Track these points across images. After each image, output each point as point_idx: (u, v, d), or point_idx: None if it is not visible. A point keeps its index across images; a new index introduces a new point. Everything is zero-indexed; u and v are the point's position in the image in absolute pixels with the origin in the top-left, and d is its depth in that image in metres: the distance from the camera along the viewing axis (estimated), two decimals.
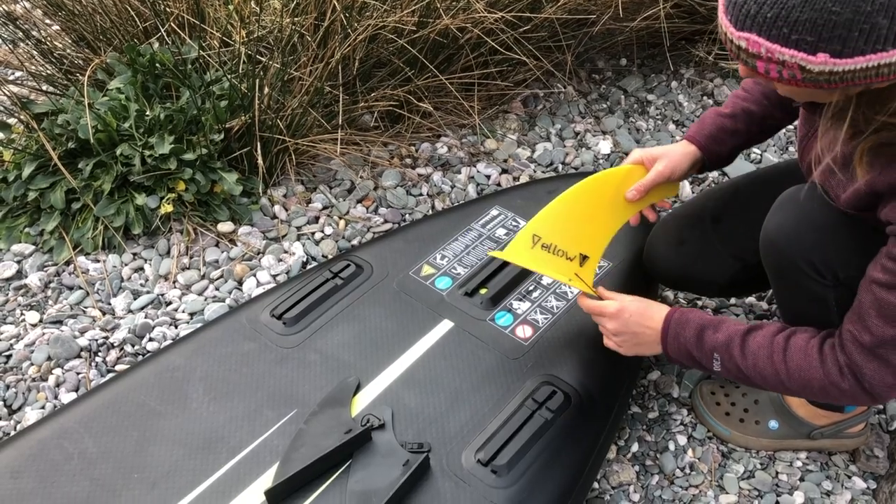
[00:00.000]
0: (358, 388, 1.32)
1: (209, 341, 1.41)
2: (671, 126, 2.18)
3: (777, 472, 1.43)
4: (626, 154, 2.07)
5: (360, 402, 1.30)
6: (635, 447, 1.47)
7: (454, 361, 1.36)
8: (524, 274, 1.50)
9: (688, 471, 1.44)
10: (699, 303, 1.72)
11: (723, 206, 1.47)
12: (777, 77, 0.93)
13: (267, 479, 1.20)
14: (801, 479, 1.42)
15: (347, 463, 1.22)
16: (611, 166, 2.05)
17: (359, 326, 1.42)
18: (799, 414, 1.43)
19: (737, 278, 1.44)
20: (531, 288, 1.49)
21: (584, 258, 1.34)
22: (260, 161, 1.85)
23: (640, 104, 2.26)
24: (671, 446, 1.47)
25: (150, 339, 1.64)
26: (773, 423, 1.45)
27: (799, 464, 1.44)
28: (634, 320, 1.27)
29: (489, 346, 1.38)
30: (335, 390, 1.31)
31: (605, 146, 2.09)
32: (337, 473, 1.21)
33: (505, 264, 1.52)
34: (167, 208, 1.81)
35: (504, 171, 2.03)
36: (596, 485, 1.40)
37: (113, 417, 1.29)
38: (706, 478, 1.42)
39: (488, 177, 2.01)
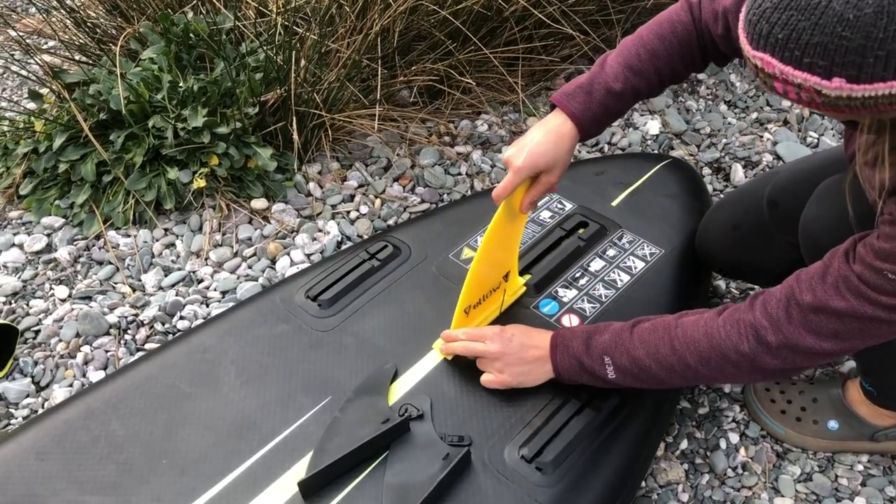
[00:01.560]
0: (395, 376, 1.26)
1: (241, 322, 1.36)
2: (722, 106, 2.08)
3: (836, 476, 1.35)
4: (676, 136, 1.98)
5: (398, 391, 1.24)
6: (684, 444, 1.39)
7: None
8: (570, 259, 1.43)
9: (740, 471, 1.36)
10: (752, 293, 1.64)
11: (780, 191, 1.38)
12: (797, 99, 0.87)
13: (300, 469, 1.14)
14: (863, 484, 1.34)
15: (384, 454, 1.16)
16: (659, 148, 1.96)
17: (396, 311, 1.36)
18: (861, 414, 1.34)
19: (794, 267, 1.35)
20: (578, 275, 1.41)
21: (506, 276, 1.35)
22: (295, 136, 1.79)
23: (690, 83, 2.16)
24: (722, 444, 1.40)
25: (181, 318, 1.59)
26: (833, 424, 1.36)
27: (860, 467, 1.36)
28: (518, 340, 1.21)
29: None
30: (371, 377, 1.25)
31: (653, 126, 1.99)
32: (373, 465, 1.15)
33: (550, 249, 1.45)
34: (200, 183, 1.76)
35: None
36: (643, 483, 1.33)
37: (141, 399, 1.24)
38: (760, 479, 1.35)
39: None
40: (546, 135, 1.20)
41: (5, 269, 1.73)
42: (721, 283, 1.65)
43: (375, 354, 1.29)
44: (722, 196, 1.59)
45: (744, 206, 1.42)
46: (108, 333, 1.58)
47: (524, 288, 1.39)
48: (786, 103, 2.08)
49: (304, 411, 1.22)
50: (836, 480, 1.35)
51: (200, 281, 1.68)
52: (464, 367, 1.27)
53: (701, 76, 2.17)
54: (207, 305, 1.63)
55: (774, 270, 1.37)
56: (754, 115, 2.05)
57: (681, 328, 1.09)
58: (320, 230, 1.77)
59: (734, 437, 1.40)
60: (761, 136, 1.98)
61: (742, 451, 1.39)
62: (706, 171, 1.89)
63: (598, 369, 1.15)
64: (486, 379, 1.23)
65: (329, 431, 1.18)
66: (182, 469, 1.15)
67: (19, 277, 1.71)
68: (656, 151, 1.95)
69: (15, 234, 1.79)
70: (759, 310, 1.05)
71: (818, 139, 1.97)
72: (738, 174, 1.86)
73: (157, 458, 1.16)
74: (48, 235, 1.79)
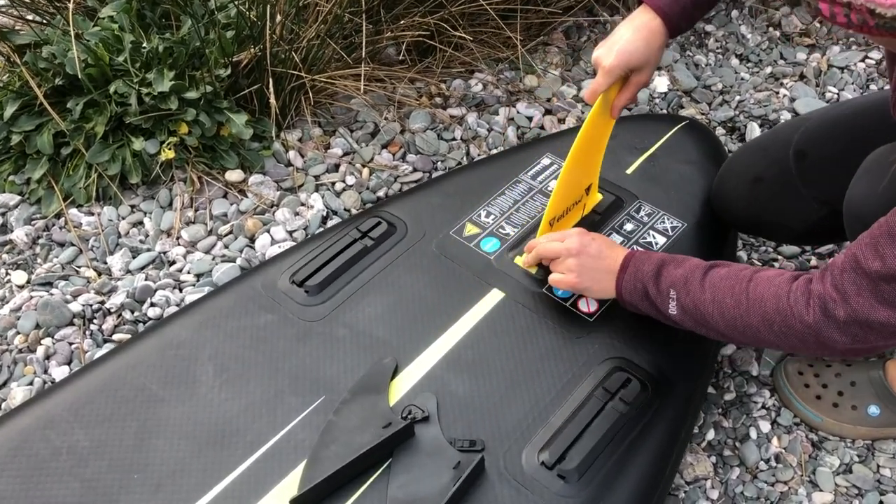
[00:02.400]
0: (395, 372, 1.12)
1: (219, 312, 1.21)
2: (734, 60, 1.93)
3: (878, 466, 1.24)
4: (686, 93, 1.84)
5: (399, 389, 1.11)
6: (711, 435, 1.27)
7: (507, 340, 1.16)
8: None
9: (773, 463, 1.25)
10: (776, 263, 1.51)
11: (809, 140, 1.25)
12: (845, 22, 0.75)
13: (292, 483, 1.01)
14: None
15: (387, 463, 1.02)
16: (668, 107, 1.81)
17: (393, 296, 1.22)
18: None
19: (818, 225, 1.25)
20: None
21: (588, 188, 1.31)
22: (272, 100, 1.62)
23: (698, 36, 2.01)
24: (752, 434, 1.28)
25: (152, 305, 1.44)
26: (874, 409, 1.25)
27: None
28: (598, 245, 1.15)
29: (548, 321, 1.18)
30: (369, 374, 1.12)
31: (661, 83, 1.84)
32: (375, 476, 1.02)
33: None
34: (168, 154, 1.59)
35: (548, 112, 1.79)
36: None
37: (107, 404, 1.09)
38: (796, 472, 1.23)
39: (530, 118, 1.77)
40: (636, 32, 1.13)
41: None
42: (742, 255, 1.52)
43: (372, 347, 1.15)
44: (741, 146, 1.45)
45: (767, 156, 1.29)
46: (71, 324, 1.43)
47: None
48: (801, 55, 1.93)
49: (294, 414, 1.08)
50: (878, 471, 1.24)
51: (172, 263, 1.53)
52: (472, 361, 1.13)
53: (709, 27, 2.02)
54: (181, 290, 1.47)
55: (797, 229, 1.27)
56: (768, 70, 1.90)
57: (753, 283, 1.00)
58: (303, 204, 1.61)
59: (765, 426, 1.28)
60: (777, 93, 1.84)
61: (774, 441, 1.27)
62: (720, 130, 1.75)
63: (661, 302, 1.07)
64: (555, 278, 1.17)
65: (323, 438, 1.04)
66: (156, 485, 1.01)
67: None
68: (664, 111, 1.80)
69: None
70: (829, 280, 0.94)
71: (838, 94, 1.83)
72: (755, 133, 1.72)
73: (128, 472, 1.03)
74: (2, 215, 1.62)
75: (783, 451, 1.26)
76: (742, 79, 1.88)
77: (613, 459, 1.03)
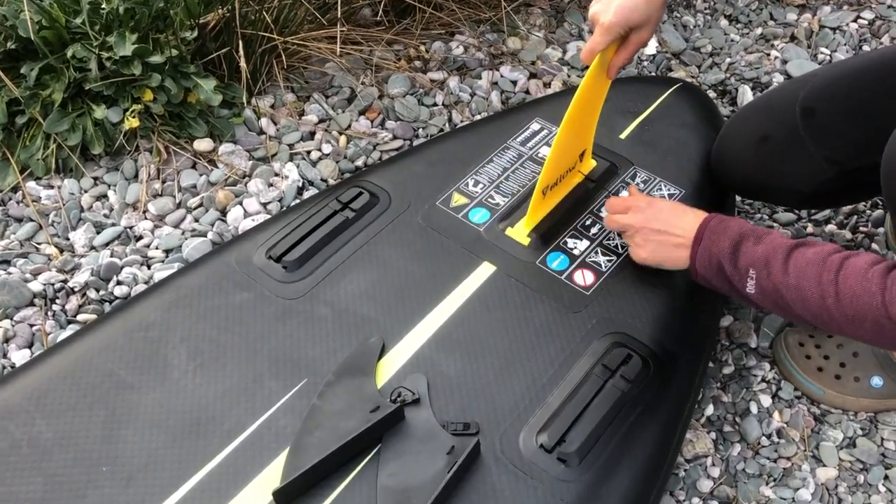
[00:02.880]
0: (382, 352, 1.05)
1: (191, 290, 1.13)
2: (723, 22, 1.87)
3: (882, 440, 1.20)
4: (674, 55, 1.77)
5: (387, 370, 1.04)
6: (710, 410, 1.22)
7: (500, 316, 1.09)
8: (579, 205, 1.22)
9: (775, 438, 1.20)
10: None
11: (818, 96, 1.19)
12: None
13: (274, 472, 0.94)
14: None
15: (375, 449, 0.96)
16: (657, 69, 1.74)
17: (378, 271, 1.14)
18: None
19: (826, 187, 1.18)
20: (588, 222, 1.21)
21: (581, 154, 1.25)
22: (242, 63, 1.53)
23: None
24: (753, 408, 1.23)
25: (119, 283, 1.35)
26: (877, 380, 1.20)
27: None
28: (665, 218, 1.08)
29: (542, 296, 1.11)
30: (355, 355, 1.05)
31: (649, 45, 1.77)
32: (363, 464, 0.95)
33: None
34: (132, 122, 1.49)
35: (532, 76, 1.71)
36: None
37: (72, 392, 1.01)
38: (798, 447, 1.19)
39: (514, 83, 1.70)
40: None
41: None
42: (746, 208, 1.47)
43: (357, 326, 1.08)
44: (744, 105, 1.39)
45: (772, 114, 1.23)
46: (32, 304, 1.34)
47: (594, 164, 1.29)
48: (791, 16, 1.87)
49: (275, 399, 1.01)
50: (882, 444, 1.20)
51: (139, 238, 1.44)
52: (463, 339, 1.07)
53: None
54: (149, 267, 1.38)
55: (804, 191, 1.20)
56: (759, 31, 1.84)
57: (843, 274, 0.91)
58: (277, 174, 1.53)
59: (766, 400, 1.24)
60: (768, 54, 1.78)
61: (776, 415, 1.22)
62: (710, 94, 1.69)
63: (737, 280, 0.99)
64: (630, 252, 1.12)
65: (307, 424, 0.97)
66: (127, 478, 0.94)
67: None
68: (653, 74, 1.73)
69: None
70: None
71: (830, 56, 1.77)
72: (747, 97, 1.66)
73: (96, 465, 0.95)
74: None
75: (785, 425, 1.21)
76: (732, 40, 1.82)
77: (616, 441, 0.98)
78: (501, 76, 1.71)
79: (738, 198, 1.42)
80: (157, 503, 0.92)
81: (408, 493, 0.91)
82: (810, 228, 1.47)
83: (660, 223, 1.08)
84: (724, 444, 1.20)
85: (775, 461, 1.18)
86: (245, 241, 1.19)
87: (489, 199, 1.23)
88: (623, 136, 1.33)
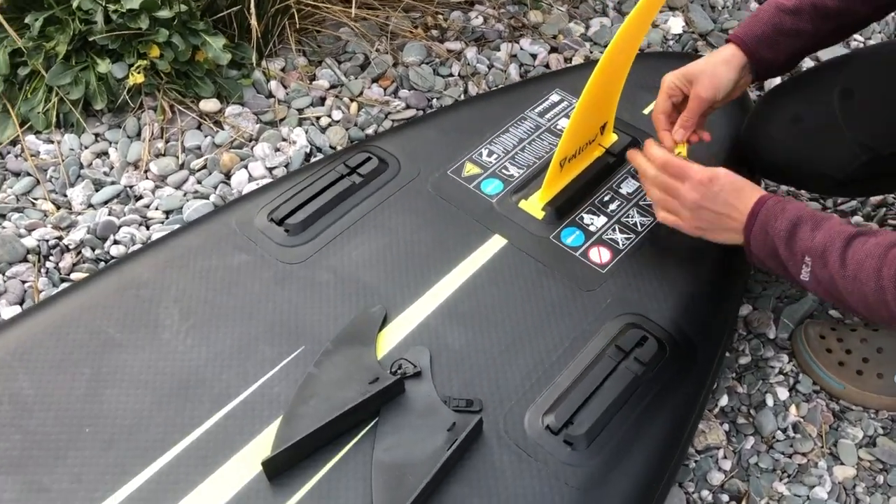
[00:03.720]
0: (384, 322, 1.00)
1: (188, 250, 1.08)
2: (753, 4, 1.80)
3: None
4: (701, 36, 1.71)
5: (388, 341, 0.99)
6: (724, 401, 1.17)
7: (509, 291, 1.04)
8: (598, 179, 1.16)
9: (791, 433, 1.15)
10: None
11: (857, 78, 1.13)
12: None
13: (264, 442, 0.89)
14: None
15: (373, 422, 0.91)
16: (683, 49, 1.68)
17: (384, 239, 1.09)
18: None
19: (858, 173, 1.13)
20: (606, 198, 1.15)
21: (602, 127, 1.19)
22: (253, 22, 1.47)
23: None
24: (769, 401, 1.17)
25: (115, 242, 1.31)
26: None
27: None
28: (723, 199, 0.97)
29: (555, 272, 1.06)
30: (355, 323, 1.00)
31: (675, 24, 1.71)
32: (359, 437, 0.90)
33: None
34: (137, 78, 1.44)
35: (553, 50, 1.65)
36: None
37: (58, 348, 0.97)
38: (815, 443, 1.13)
39: (534, 56, 1.64)
40: (716, 55, 1.11)
41: None
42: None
43: (359, 294, 1.03)
44: (779, 83, 1.33)
45: (808, 94, 1.17)
46: (25, 260, 1.29)
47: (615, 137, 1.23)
48: None
49: (269, 366, 0.96)
50: None
51: (139, 198, 1.39)
52: (470, 313, 1.01)
53: None
54: (147, 228, 1.34)
55: (835, 176, 1.14)
56: None
57: None
58: (284, 139, 1.47)
59: (783, 393, 1.18)
60: None
61: (793, 409, 1.17)
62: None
63: (792, 266, 0.92)
64: (665, 217, 1.03)
65: (302, 393, 0.92)
66: (110, 440, 0.89)
67: None
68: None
69: None
70: None
71: (864, 42, 1.70)
72: (774, 81, 1.59)
73: (78, 425, 0.90)
74: None
75: (802, 420, 1.16)
76: None
77: (626, 426, 0.92)
78: (521, 49, 1.65)
79: (764, 182, 1.36)
80: (139, 468, 0.87)
81: (404, 470, 0.86)
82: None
83: (719, 205, 0.97)
84: (738, 436, 1.14)
85: (790, 457, 1.12)
86: (247, 202, 1.14)
87: (503, 171, 1.18)
88: (646, 111, 1.27)
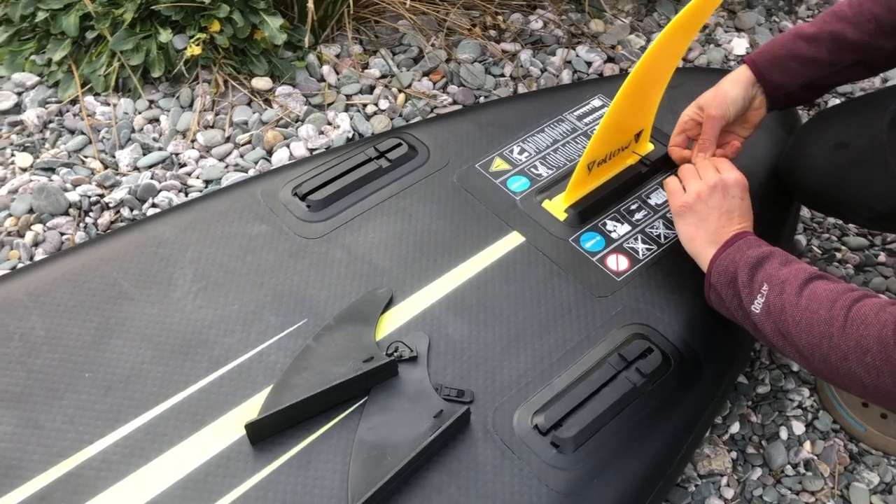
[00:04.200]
0: (390, 304, 1.00)
1: (210, 215, 1.10)
2: None
3: None
4: None
5: (390, 323, 0.99)
6: (735, 428, 1.13)
7: (519, 288, 1.03)
8: (627, 187, 1.14)
9: (802, 469, 1.10)
10: (838, 254, 1.35)
11: None
12: None
13: (254, 406, 0.90)
14: None
15: (361, 401, 0.91)
16: None
17: (402, 224, 1.09)
18: None
19: None
20: (633, 206, 1.13)
21: (638, 135, 1.16)
22: (310, 5, 1.50)
23: (789, 1, 1.82)
24: (783, 434, 1.13)
25: (154, 205, 1.35)
26: None
27: None
28: (737, 203, 0.99)
29: (569, 274, 1.04)
30: (360, 302, 1.00)
31: (739, 45, 1.67)
32: (345, 413, 0.90)
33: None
34: (194, 50, 1.48)
35: (610, 60, 1.63)
36: None
37: (72, 294, 1.00)
38: (826, 483, 1.08)
39: (589, 64, 1.62)
40: (727, 77, 1.11)
41: None
42: (800, 238, 1.35)
43: (369, 275, 1.03)
44: (828, 107, 1.28)
45: (856, 121, 1.12)
46: (66, 213, 1.34)
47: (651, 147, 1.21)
48: None
49: (270, 334, 0.97)
50: None
51: (182, 165, 1.42)
52: (476, 305, 1.00)
53: None
54: (186, 194, 1.37)
55: (877, 208, 1.09)
56: None
57: (860, 304, 0.82)
58: (329, 123, 1.49)
59: (798, 427, 1.14)
60: None
61: (807, 445, 1.12)
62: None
63: (746, 295, 0.90)
64: (673, 186, 1.05)
65: (297, 363, 0.93)
66: (107, 387, 0.91)
67: None
68: None
69: None
70: None
71: None
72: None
73: (79, 369, 0.93)
74: (18, 94, 1.53)
75: (815, 457, 1.11)
76: None
77: (618, 436, 0.90)
78: (577, 55, 1.63)
79: (804, 211, 1.31)
80: (130, 417, 0.89)
81: (384, 450, 0.86)
82: (882, 257, 1.35)
83: (733, 200, 1.00)
84: (745, 465, 1.10)
85: (797, 493, 1.08)
86: (275, 175, 1.16)
87: (532, 169, 1.17)
88: None
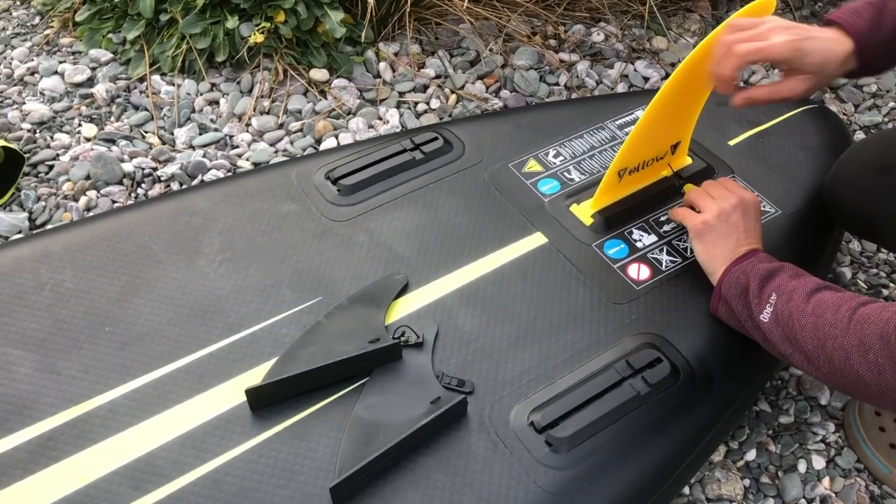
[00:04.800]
0: (404, 290, 1.01)
1: (245, 191, 1.13)
2: None
3: None
4: (831, 88, 1.61)
5: (402, 309, 0.99)
6: (751, 455, 1.10)
7: (535, 288, 1.02)
8: (658, 198, 1.12)
9: None
10: (885, 290, 1.29)
11: None
12: None
13: (259, 374, 0.92)
14: None
15: (363, 381, 0.92)
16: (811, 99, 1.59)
17: (427, 215, 1.10)
18: None
19: None
20: (662, 218, 1.11)
21: (675, 146, 1.13)
22: (371, 2, 1.53)
23: None
24: (801, 467, 1.09)
25: (203, 182, 1.39)
26: None
27: None
28: (748, 225, 0.99)
29: (587, 279, 1.03)
30: (375, 286, 1.01)
31: None
32: (345, 390, 0.91)
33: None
34: (257, 37, 1.53)
35: (667, 76, 1.61)
36: (687, 490, 1.05)
37: (105, 253, 1.04)
38: None
39: (646, 79, 1.61)
40: (817, 38, 0.89)
41: (42, 96, 1.57)
42: (846, 271, 1.31)
43: (388, 261, 1.04)
44: (874, 133, 1.23)
45: None
46: (120, 183, 1.40)
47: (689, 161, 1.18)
48: None
49: (285, 308, 0.99)
50: None
51: (235, 147, 1.47)
52: (489, 300, 1.00)
53: None
54: (234, 174, 1.41)
55: None
56: None
57: (866, 307, 0.82)
58: (380, 118, 1.52)
59: (818, 462, 1.09)
60: None
61: (826, 481, 1.08)
62: (859, 135, 1.52)
63: (756, 305, 0.90)
64: (682, 212, 1.05)
65: (305, 338, 0.95)
66: (123, 343, 0.95)
67: (51, 107, 1.54)
68: None
69: (61, 63, 1.63)
70: None
71: None
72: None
73: (101, 323, 0.97)
74: (93, 69, 1.61)
75: (833, 495, 1.06)
76: None
77: (615, 442, 0.88)
78: (634, 70, 1.62)
79: (855, 244, 1.27)
80: (142, 372, 0.92)
81: (377, 428, 0.87)
82: None
83: (749, 219, 0.99)
84: (756, 495, 1.07)
85: None
86: (311, 159, 1.19)
87: (564, 173, 1.16)
88: (732, 142, 1.22)
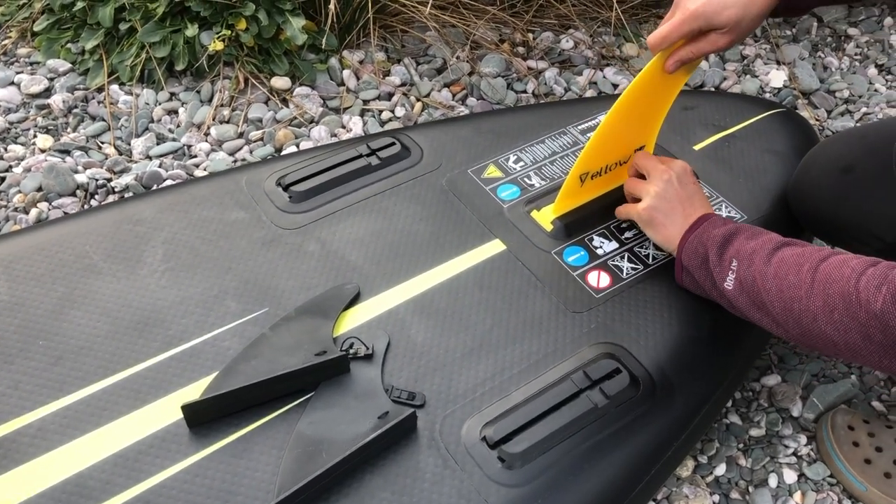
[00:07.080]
0: (355, 300, 0.97)
1: (192, 198, 1.09)
2: (871, 70, 1.66)
3: None
4: (804, 94, 1.59)
5: (352, 320, 0.95)
6: (721, 470, 1.05)
7: (492, 296, 0.98)
8: (620, 202, 1.09)
9: None
10: None
11: None
12: None
13: (199, 389, 0.88)
14: None
15: (308, 395, 0.87)
16: (780, 103, 1.57)
17: (382, 223, 1.06)
18: None
19: None
20: (624, 224, 1.08)
21: (639, 150, 1.09)
22: (332, 7, 1.49)
23: (836, 38, 1.74)
24: (772, 481, 1.05)
25: (149, 190, 1.34)
26: None
27: None
28: (692, 189, 0.99)
29: (546, 287, 0.99)
30: (324, 296, 0.97)
31: (776, 78, 1.60)
32: (289, 406, 0.87)
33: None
34: (216, 45, 1.50)
35: None
36: None
37: (43, 263, 1.00)
38: None
39: (616, 85, 1.58)
40: None
41: None
42: None
43: (340, 269, 1.00)
44: (837, 132, 1.20)
45: (865, 144, 1.05)
46: (73, 194, 1.35)
47: None
48: None
49: (229, 320, 0.95)
50: None
51: (193, 156, 1.43)
52: (444, 310, 0.96)
53: (853, 31, 1.75)
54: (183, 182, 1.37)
55: (884, 238, 1.01)
56: None
57: (826, 263, 0.82)
58: (343, 126, 1.48)
59: (790, 476, 1.05)
60: None
61: (797, 496, 1.03)
62: None
63: (718, 273, 0.90)
64: (625, 208, 1.05)
65: (247, 351, 0.90)
66: (58, 357, 0.90)
67: (6, 119, 1.50)
68: None
69: (18, 73, 1.58)
70: None
71: None
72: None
73: (35, 336, 0.92)
74: (50, 80, 1.57)
75: None
76: (875, 90, 1.61)
77: (571, 457, 0.84)
78: (603, 76, 1.59)
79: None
80: (75, 388, 0.88)
81: (321, 445, 0.82)
82: None
83: (687, 189, 0.99)
84: None
85: None
86: (263, 165, 1.15)
87: (525, 179, 1.12)
88: (697, 147, 1.18)
